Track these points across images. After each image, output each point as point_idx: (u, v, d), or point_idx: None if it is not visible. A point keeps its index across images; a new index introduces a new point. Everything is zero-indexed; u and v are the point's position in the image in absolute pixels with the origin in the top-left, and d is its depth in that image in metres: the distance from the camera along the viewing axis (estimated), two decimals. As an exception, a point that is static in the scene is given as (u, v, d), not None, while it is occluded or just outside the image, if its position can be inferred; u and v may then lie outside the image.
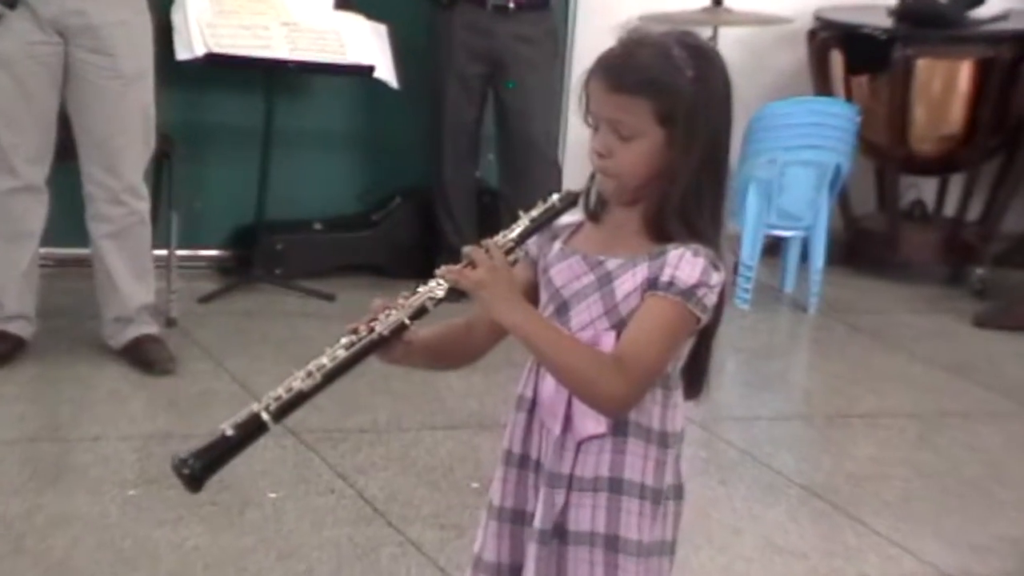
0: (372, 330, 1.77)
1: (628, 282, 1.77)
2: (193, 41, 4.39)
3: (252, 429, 1.72)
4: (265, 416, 1.72)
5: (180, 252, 4.39)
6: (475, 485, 3.28)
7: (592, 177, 1.83)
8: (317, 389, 1.74)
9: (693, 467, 3.54)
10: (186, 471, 1.70)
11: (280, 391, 1.73)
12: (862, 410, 4.13)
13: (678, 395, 1.84)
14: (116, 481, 3.21)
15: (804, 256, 5.13)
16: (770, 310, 5.05)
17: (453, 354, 1.92)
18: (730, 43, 4.92)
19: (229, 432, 1.71)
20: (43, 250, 3.93)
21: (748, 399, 4.21)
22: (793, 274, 5.20)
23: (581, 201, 1.85)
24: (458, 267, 1.76)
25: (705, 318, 1.78)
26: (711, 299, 1.77)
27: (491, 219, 4.74)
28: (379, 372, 3.97)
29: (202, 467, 1.70)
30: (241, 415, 1.72)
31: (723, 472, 3.60)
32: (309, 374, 1.74)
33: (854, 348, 4.71)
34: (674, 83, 1.74)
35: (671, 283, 1.74)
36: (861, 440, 3.91)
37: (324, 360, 1.75)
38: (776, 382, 4.43)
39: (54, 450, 3.37)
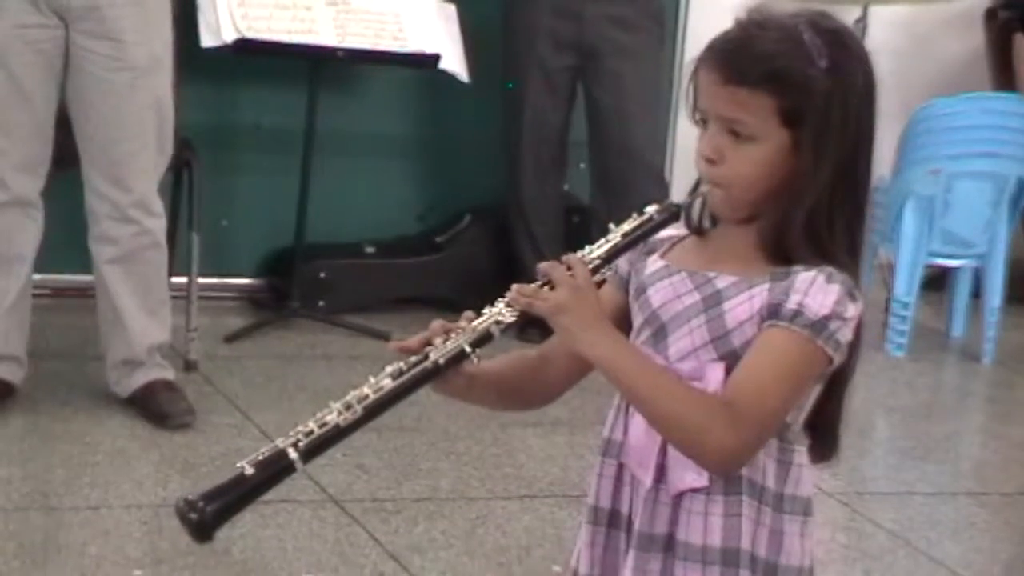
0: (426, 356, 1.80)
1: (743, 307, 1.78)
2: (221, 25, 4.48)
3: (276, 469, 1.75)
4: (292, 454, 1.75)
5: (202, 280, 4.45)
6: (557, 569, 3.27)
7: (698, 184, 1.85)
8: (356, 425, 1.77)
9: (831, 553, 3.51)
10: (193, 516, 1.73)
11: (312, 425, 1.76)
12: (1052, 487, 4.08)
13: (801, 453, 1.84)
14: (118, 560, 3.24)
15: (976, 292, 5.08)
16: (932, 359, 4.99)
17: (523, 392, 1.94)
18: (885, 26, 4.90)
19: (248, 471, 1.74)
20: (36, 277, 4.01)
21: (903, 470, 4.17)
22: (963, 314, 5.14)
23: (684, 214, 1.86)
24: (533, 287, 1.78)
25: (838, 358, 1.78)
26: (845, 335, 1.77)
27: (580, 242, 4.74)
28: (442, 430, 4.06)
29: (214, 512, 1.73)
30: (264, 452, 1.75)
31: (868, 560, 3.56)
32: (348, 406, 1.77)
33: (1041, 408, 4.66)
34: (803, 75, 1.76)
35: (798, 312, 1.75)
36: (1050, 525, 3.86)
37: (366, 391, 1.78)
38: (939, 450, 4.37)
39: (44, 522, 3.41)
